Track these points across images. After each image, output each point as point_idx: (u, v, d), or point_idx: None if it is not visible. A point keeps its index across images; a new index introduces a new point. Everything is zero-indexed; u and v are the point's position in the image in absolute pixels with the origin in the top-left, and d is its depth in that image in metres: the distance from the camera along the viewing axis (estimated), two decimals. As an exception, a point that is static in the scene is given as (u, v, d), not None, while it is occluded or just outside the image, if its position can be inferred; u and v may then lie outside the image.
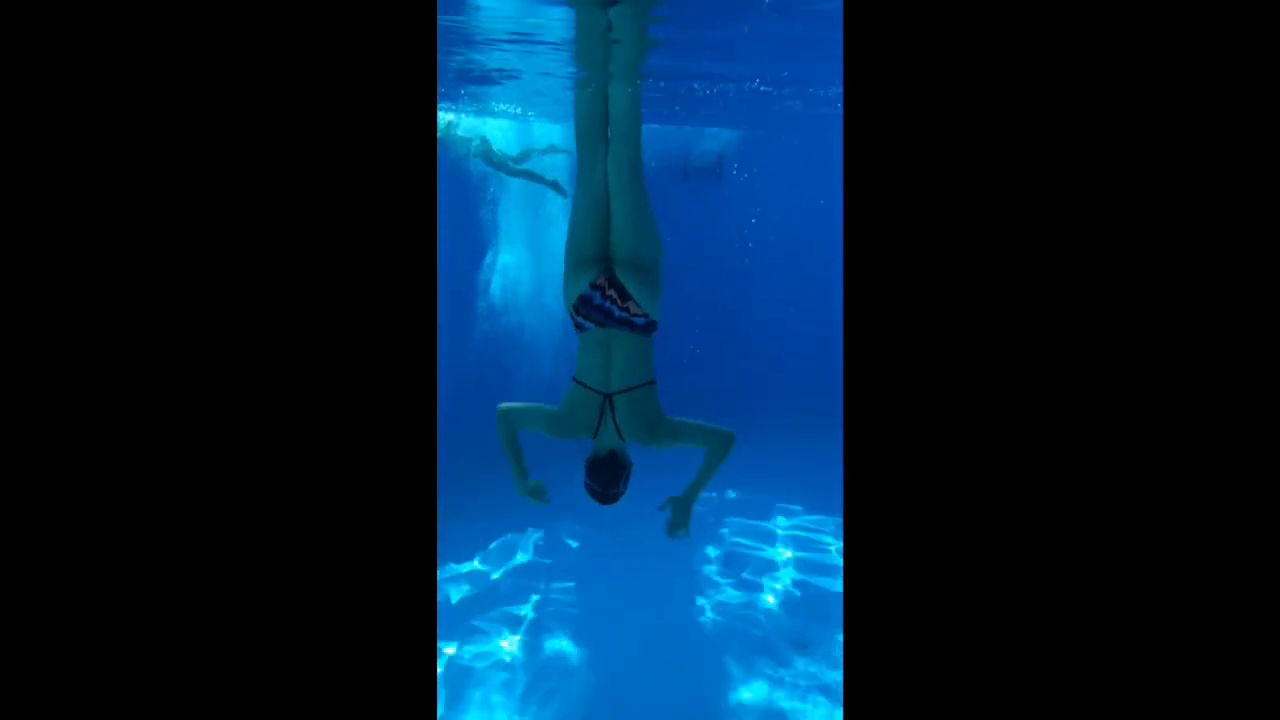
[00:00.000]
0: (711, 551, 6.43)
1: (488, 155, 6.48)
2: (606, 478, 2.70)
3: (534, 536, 6.60)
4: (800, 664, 4.95)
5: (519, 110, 7.62)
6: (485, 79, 5.46)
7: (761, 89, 6.15)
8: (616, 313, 2.77)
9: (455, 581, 5.95)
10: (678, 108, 7.29)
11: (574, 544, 6.54)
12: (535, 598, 5.73)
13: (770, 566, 6.22)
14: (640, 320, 2.78)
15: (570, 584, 5.92)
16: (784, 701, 4.61)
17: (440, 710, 4.50)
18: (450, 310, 10.47)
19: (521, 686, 4.75)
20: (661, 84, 5.72)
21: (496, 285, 10.89)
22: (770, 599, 5.75)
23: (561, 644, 5.18)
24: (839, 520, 6.61)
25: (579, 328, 2.84)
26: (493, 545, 6.43)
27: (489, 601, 5.67)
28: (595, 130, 3.08)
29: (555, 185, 6.55)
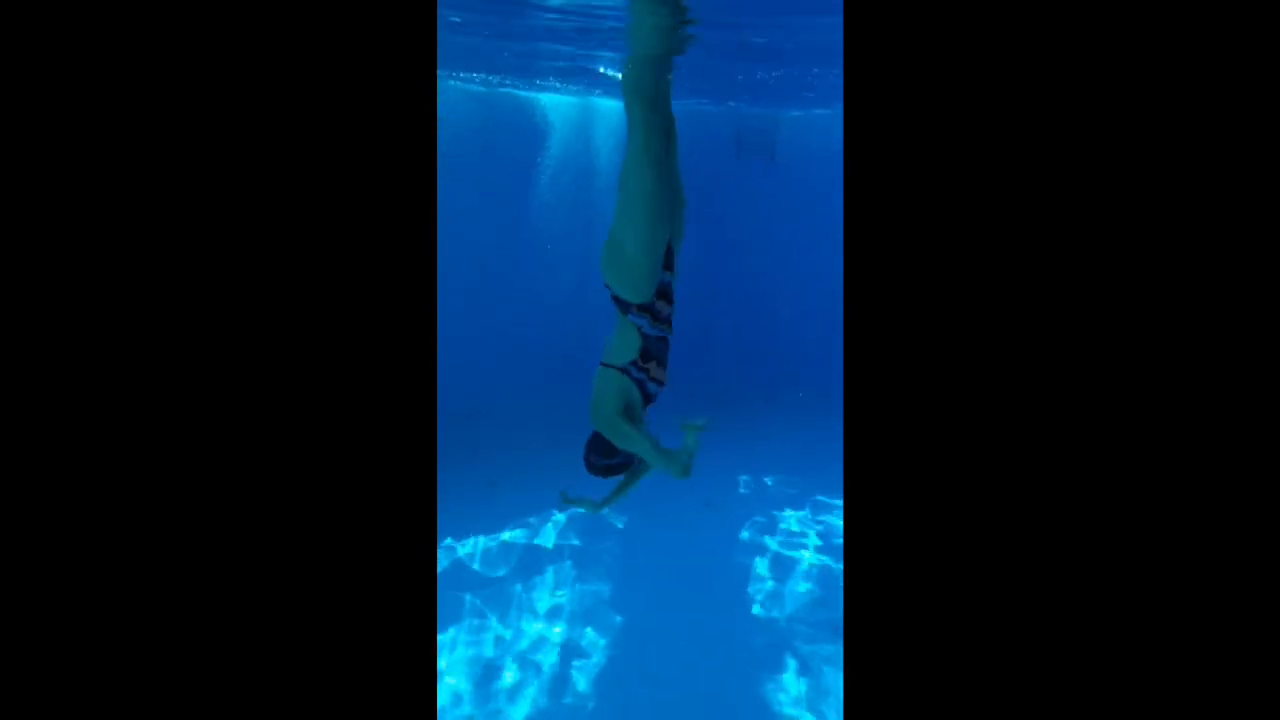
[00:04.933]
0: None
1: None
2: (607, 448, 2.80)
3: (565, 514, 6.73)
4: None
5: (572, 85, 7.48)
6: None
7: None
8: (672, 293, 2.80)
9: (501, 542, 6.16)
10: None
11: (619, 524, 6.65)
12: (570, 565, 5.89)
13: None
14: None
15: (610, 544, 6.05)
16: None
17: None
18: (509, 294, 10.59)
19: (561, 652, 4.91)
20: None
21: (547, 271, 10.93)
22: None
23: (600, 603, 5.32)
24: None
25: (646, 311, 2.74)
26: (531, 518, 6.60)
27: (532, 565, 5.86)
28: (668, 110, 2.84)
29: None
